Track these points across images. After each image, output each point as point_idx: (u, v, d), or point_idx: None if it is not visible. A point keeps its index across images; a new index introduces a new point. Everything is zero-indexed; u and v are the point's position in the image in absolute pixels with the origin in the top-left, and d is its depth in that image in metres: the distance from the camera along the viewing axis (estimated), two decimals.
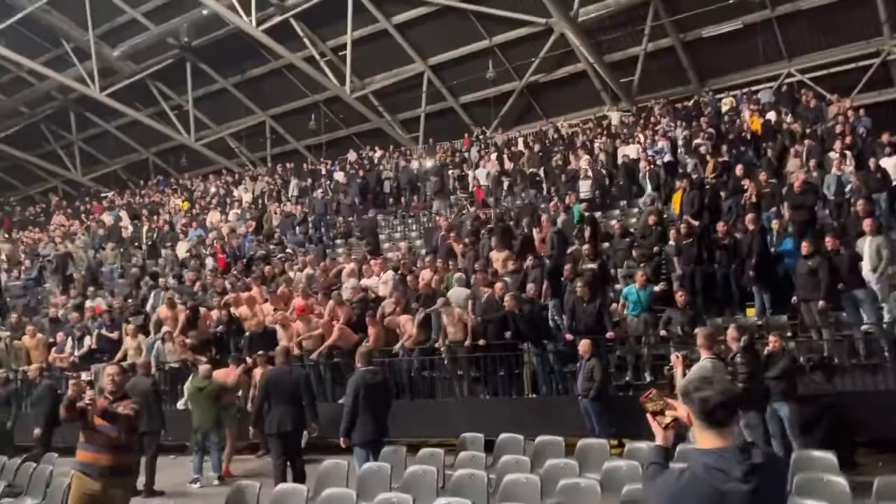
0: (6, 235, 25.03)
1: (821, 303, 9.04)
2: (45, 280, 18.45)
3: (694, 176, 13.69)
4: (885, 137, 13.34)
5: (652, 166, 14.82)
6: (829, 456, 5.53)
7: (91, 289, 16.19)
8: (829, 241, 9.39)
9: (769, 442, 6.97)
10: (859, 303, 8.97)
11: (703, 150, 14.80)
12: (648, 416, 2.64)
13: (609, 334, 9.67)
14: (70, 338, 13.35)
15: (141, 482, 8.62)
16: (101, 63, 25.28)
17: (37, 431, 9.53)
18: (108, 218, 23.12)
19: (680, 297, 9.56)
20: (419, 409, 10.26)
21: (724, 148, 14.87)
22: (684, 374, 6.44)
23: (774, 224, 10.72)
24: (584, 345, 8.94)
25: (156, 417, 8.96)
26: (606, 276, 11.52)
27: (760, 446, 2.44)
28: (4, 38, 24.02)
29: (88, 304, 14.94)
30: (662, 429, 2.63)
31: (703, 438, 2.40)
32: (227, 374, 9.93)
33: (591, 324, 9.78)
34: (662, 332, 9.42)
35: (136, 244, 19.93)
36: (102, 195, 29.61)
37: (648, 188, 14.59)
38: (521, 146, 20.58)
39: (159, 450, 9.06)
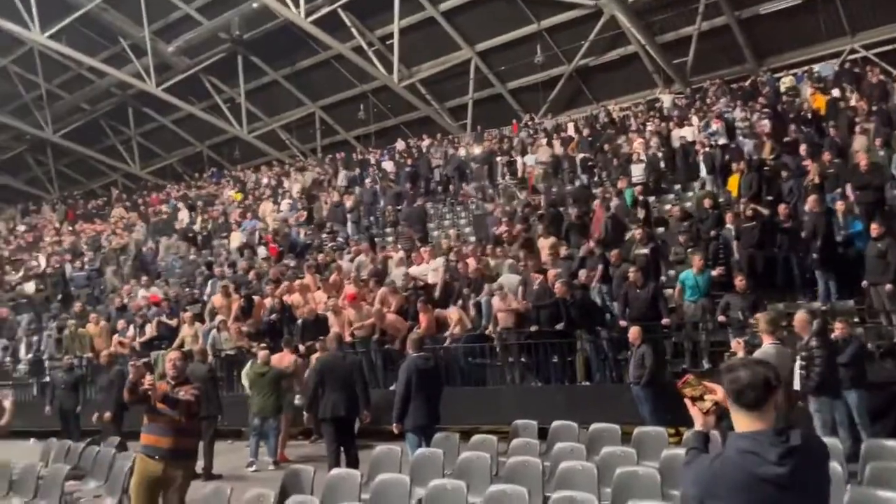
0: (70, 228, 25.95)
1: (888, 286, 8.65)
2: (105, 271, 19.05)
3: (753, 157, 13.23)
4: None
5: (707, 149, 14.39)
6: None
7: (145, 278, 16.66)
8: None
9: (835, 429, 6.68)
10: None
11: (760, 130, 14.28)
12: (687, 401, 2.60)
13: (665, 321, 9.45)
14: (132, 325, 13.75)
15: (199, 466, 8.85)
16: (157, 59, 25.89)
17: (107, 415, 9.82)
18: (165, 209, 23.75)
19: (740, 281, 9.26)
20: (470, 396, 10.22)
21: (788, 128, 14.30)
22: None
23: (839, 206, 10.24)
24: (634, 331, 8.77)
25: (213, 403, 9.15)
26: (659, 260, 11.29)
27: (800, 430, 2.37)
28: (65, 36, 24.77)
29: (143, 293, 15.36)
30: (703, 414, 2.58)
31: (738, 422, 2.36)
32: (281, 360, 10.06)
33: (645, 310, 9.56)
34: (721, 318, 9.14)
35: (192, 235, 20.38)
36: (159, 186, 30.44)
37: (703, 171, 14.19)
38: (570, 131, 20.27)
39: (217, 435, 9.24)
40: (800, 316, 7.04)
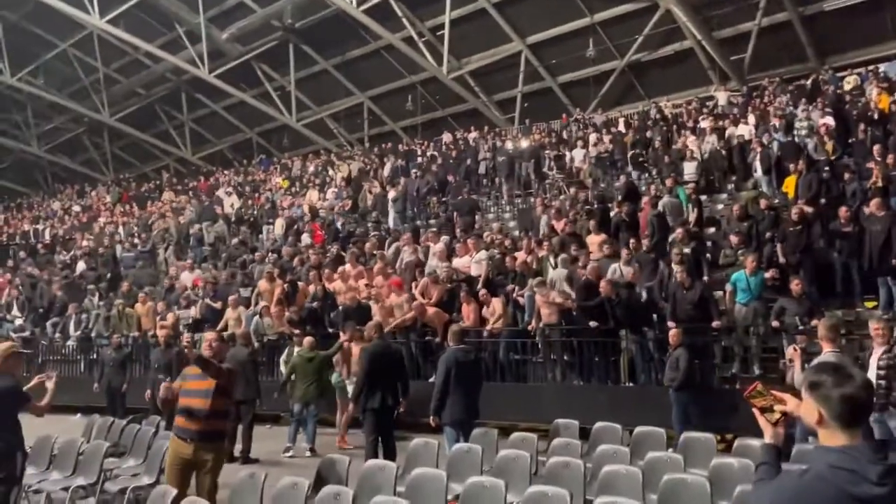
0: (122, 209, 26.55)
1: None
2: (157, 253, 19.42)
3: (819, 158, 12.70)
4: None
5: (763, 148, 13.89)
6: None
7: (189, 261, 16.90)
8: None
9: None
10: None
11: (823, 130, 13.70)
12: (756, 411, 2.40)
13: (716, 323, 9.11)
14: (175, 307, 13.93)
15: (238, 449, 8.91)
16: (211, 45, 26.26)
17: (148, 393, 9.94)
18: (221, 194, 24.10)
19: (796, 285, 8.86)
20: (510, 392, 10.06)
21: (851, 129, 13.69)
22: (803, 369, 5.96)
23: None
24: (674, 333, 8.50)
25: (252, 387, 9.20)
26: (701, 260, 10.92)
27: (892, 445, 2.11)
28: (123, 21, 25.32)
29: (187, 275, 15.57)
30: (772, 425, 2.38)
31: (830, 436, 2.12)
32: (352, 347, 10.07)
33: (691, 311, 9.24)
34: (775, 323, 8.77)
35: (239, 220, 20.63)
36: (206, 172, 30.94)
37: (759, 171, 13.69)
38: (621, 126, 19.85)
39: (255, 419, 9.27)
40: (873, 324, 6.66)
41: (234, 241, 18.42)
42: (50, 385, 5.41)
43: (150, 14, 26.20)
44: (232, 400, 5.84)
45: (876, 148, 12.06)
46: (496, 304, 10.67)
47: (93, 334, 14.77)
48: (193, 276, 15.39)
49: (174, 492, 4.74)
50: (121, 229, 22.63)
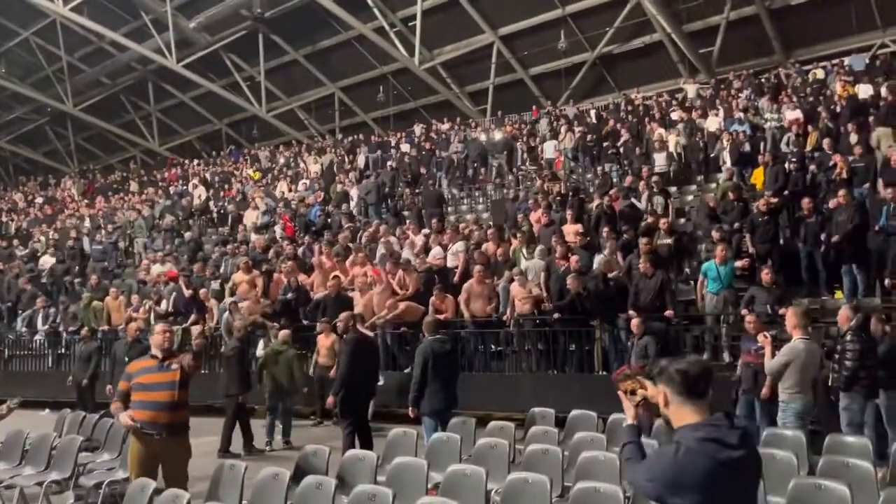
0: (87, 202, 26.04)
1: None
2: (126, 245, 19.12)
3: (790, 150, 12.97)
4: None
5: (733, 140, 14.14)
6: None
7: (160, 253, 16.68)
8: None
9: (861, 428, 6.50)
10: None
11: (794, 127, 13.94)
12: (620, 394, 2.63)
13: (668, 312, 9.24)
14: (146, 301, 13.72)
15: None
16: (178, 34, 25.83)
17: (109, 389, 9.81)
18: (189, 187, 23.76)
19: (766, 274, 9.05)
20: (486, 382, 10.14)
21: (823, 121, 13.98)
22: (773, 356, 6.11)
23: (889, 192, 9.89)
24: (635, 322, 8.65)
25: (238, 381, 9.13)
26: (683, 252, 11.11)
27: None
28: (87, 9, 24.77)
29: (158, 268, 15.36)
30: (634, 407, 2.64)
31: (683, 415, 2.39)
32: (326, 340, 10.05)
33: (652, 300, 9.41)
34: (744, 311, 8.94)
35: (209, 212, 20.38)
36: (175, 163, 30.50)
37: (728, 162, 13.92)
38: (593, 118, 20.01)
39: (239, 412, 9.17)
40: (843, 312, 6.86)
41: (189, 234, 18.14)
42: (3, 409, 5.39)
43: (114, 2, 25.69)
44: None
45: (826, 141, 12.37)
46: (449, 302, 10.72)
47: (59, 328, 14.51)
48: (165, 268, 15.16)
49: (153, 484, 4.70)
50: (87, 222, 22.19)
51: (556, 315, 9.84)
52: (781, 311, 8.14)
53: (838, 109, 14.49)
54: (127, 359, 9.85)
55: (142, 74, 30.31)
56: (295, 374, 9.63)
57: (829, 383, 6.74)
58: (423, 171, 18.97)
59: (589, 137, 17.34)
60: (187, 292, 13.22)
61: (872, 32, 19.91)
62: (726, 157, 13.96)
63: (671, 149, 14.98)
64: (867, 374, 6.53)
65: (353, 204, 17.77)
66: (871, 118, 12.91)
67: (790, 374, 6.04)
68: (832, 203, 10.16)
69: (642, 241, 10.35)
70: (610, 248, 10.82)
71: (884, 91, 14.37)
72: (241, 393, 9.16)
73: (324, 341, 10.08)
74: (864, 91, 14.93)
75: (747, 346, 7.82)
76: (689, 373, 2.38)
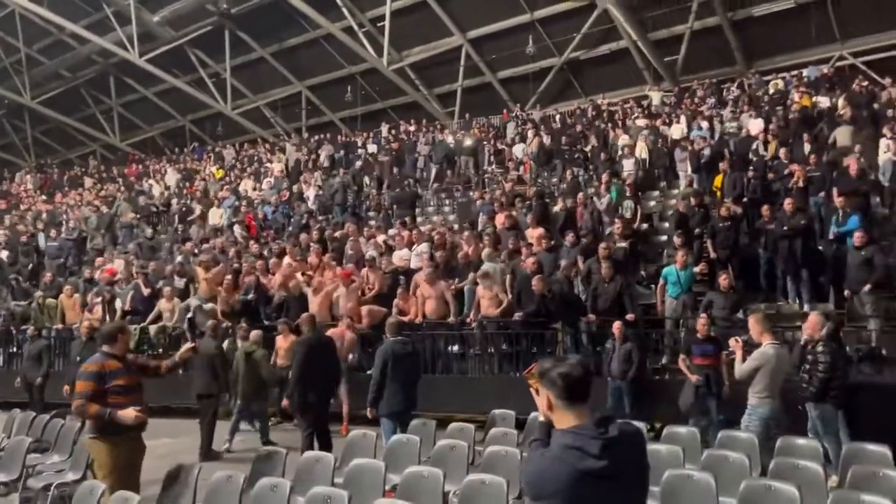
0: (44, 198, 25.39)
1: (867, 286, 8.72)
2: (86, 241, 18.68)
3: (756, 158, 13.22)
4: None
5: (692, 148, 14.40)
6: (884, 449, 5.24)
7: (114, 251, 16.35)
8: None
9: (837, 435, 6.58)
10: None
11: (760, 135, 14.23)
12: (532, 391, 2.55)
13: (629, 316, 9.33)
14: (100, 298, 13.38)
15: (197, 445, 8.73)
16: (141, 28, 25.36)
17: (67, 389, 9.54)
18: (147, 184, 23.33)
19: (723, 280, 9.21)
20: (448, 383, 10.12)
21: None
22: (744, 360, 6.15)
23: (839, 201, 10.15)
24: (616, 326, 8.71)
25: (217, 381, 8.97)
26: (638, 255, 11.24)
27: (617, 420, 2.40)
28: (47, 0, 24.15)
29: (114, 265, 15.04)
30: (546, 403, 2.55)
31: (563, 418, 2.37)
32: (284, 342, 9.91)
33: (611, 304, 9.51)
34: (702, 316, 9.07)
35: (169, 210, 20.03)
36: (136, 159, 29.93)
37: (689, 169, 14.15)
38: (558, 123, 20.18)
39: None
40: (813, 318, 6.91)
41: (147, 231, 17.83)
42: None
43: None
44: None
45: (783, 151, 12.66)
46: (413, 303, 10.69)
47: (10, 327, 14.10)
48: (119, 265, 14.85)
49: (102, 487, 4.58)
50: (43, 217, 21.61)
51: (516, 316, 9.83)
52: (740, 316, 8.32)
53: (790, 117, 14.89)
54: (79, 358, 9.63)
55: (103, 68, 29.67)
56: (264, 374, 9.51)
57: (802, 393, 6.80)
58: (394, 170, 18.90)
59: (553, 141, 17.48)
60: (146, 291, 12.97)
61: (831, 45, 20.44)
62: (687, 165, 14.20)
63: (637, 154, 15.16)
64: (838, 384, 6.53)
65: (310, 203, 17.62)
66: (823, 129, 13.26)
67: (760, 378, 6.06)
68: (787, 210, 10.39)
69: (601, 245, 10.43)
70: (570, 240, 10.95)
71: (841, 102, 14.83)
72: (220, 393, 9.01)
73: (282, 342, 9.99)
74: (822, 102, 15.33)
75: (699, 350, 7.99)
76: (571, 377, 2.35)
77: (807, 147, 12.37)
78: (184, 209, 19.68)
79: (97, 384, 5.01)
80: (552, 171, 16.85)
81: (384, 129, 24.31)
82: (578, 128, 18.38)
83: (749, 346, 6.36)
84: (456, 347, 10.60)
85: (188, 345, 6.24)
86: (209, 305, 11.63)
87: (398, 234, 13.20)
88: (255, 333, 9.85)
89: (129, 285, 13.62)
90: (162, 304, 12.42)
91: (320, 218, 16.48)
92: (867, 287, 8.71)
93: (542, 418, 2.54)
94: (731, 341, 6.39)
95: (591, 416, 2.35)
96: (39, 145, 35.37)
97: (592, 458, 2.25)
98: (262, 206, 17.98)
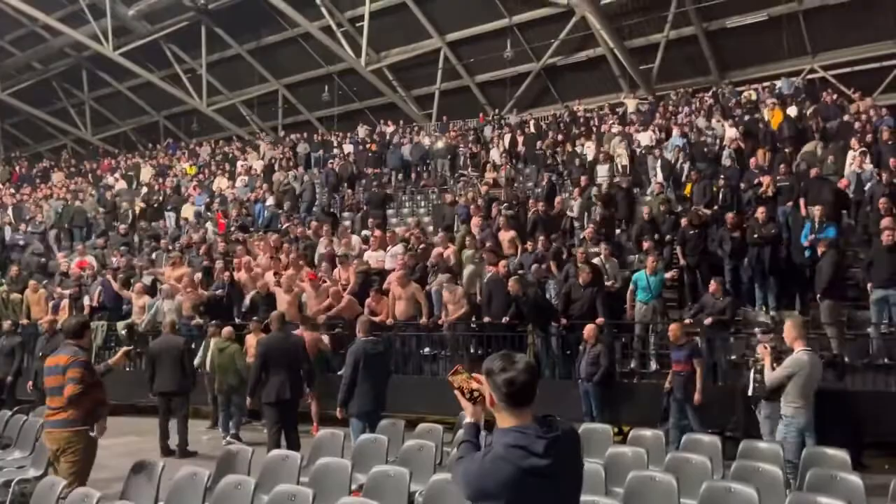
0: (12, 191, 24.91)
1: (818, 295, 8.93)
2: (48, 236, 18.35)
3: (727, 166, 13.43)
4: (884, 135, 13.06)
5: (662, 156, 14.61)
6: (842, 454, 5.36)
7: (81, 245, 16.12)
8: (887, 235, 9.00)
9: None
10: (889, 303, 8.76)
11: (733, 144, 14.46)
12: (456, 392, 2.56)
13: (599, 320, 9.34)
14: (68, 295, 13.16)
15: (174, 443, 8.65)
16: (116, 21, 25.00)
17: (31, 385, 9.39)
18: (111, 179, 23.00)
19: (714, 286, 9.33)
20: (419, 384, 10.12)
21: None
22: (773, 367, 6.05)
23: (817, 210, 10.34)
24: (588, 329, 8.77)
25: (188, 379, 8.88)
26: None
27: (558, 418, 2.44)
28: None
29: (78, 260, 14.84)
30: (472, 404, 2.54)
31: (504, 418, 2.38)
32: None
33: (587, 309, 9.57)
34: (707, 320, 9.15)
35: (142, 205, 19.78)
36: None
37: (660, 176, 14.32)
38: (532, 129, 20.33)
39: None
40: (788, 325, 7.01)
41: (122, 227, 17.60)
42: None
43: None
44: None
45: (753, 160, 12.90)
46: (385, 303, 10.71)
47: None
48: (86, 260, 14.62)
49: (63, 482, 4.52)
50: (10, 211, 21.22)
51: (505, 319, 9.84)
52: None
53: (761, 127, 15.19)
54: (41, 354, 9.49)
55: (76, 61, 29.21)
56: (239, 368, 9.45)
57: (749, 392, 6.94)
58: (367, 170, 18.89)
59: (528, 145, 17.61)
60: (116, 286, 12.80)
61: (803, 58, 20.86)
62: (658, 172, 14.38)
63: (617, 160, 15.28)
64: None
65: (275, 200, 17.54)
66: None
67: (794, 387, 5.83)
68: (758, 219, 10.56)
69: (578, 250, 10.51)
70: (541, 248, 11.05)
71: (810, 114, 15.15)
72: (189, 390, 8.94)
73: (251, 341, 9.92)
74: (792, 112, 15.62)
75: (675, 356, 8.09)
76: (515, 383, 2.33)
77: (753, 162, 12.69)
78: (155, 205, 19.45)
79: (89, 373, 5.11)
80: (527, 175, 16.96)
81: (361, 129, 24.27)
82: (552, 134, 18.52)
83: (780, 353, 6.31)
84: (427, 349, 10.59)
85: (123, 349, 6.18)
86: (174, 303, 11.50)
87: (371, 236, 13.17)
88: (226, 330, 9.84)
89: (97, 281, 13.44)
90: (134, 300, 12.25)
91: (294, 217, 16.38)
92: (818, 296, 8.89)
93: (469, 419, 2.54)
94: (759, 348, 6.28)
95: (533, 415, 2.36)
96: (8, 137, 34.72)
97: (536, 457, 2.27)
98: (235, 203, 17.81)
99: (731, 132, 15.17)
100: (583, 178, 14.28)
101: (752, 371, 6.90)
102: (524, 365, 2.38)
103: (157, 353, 9.02)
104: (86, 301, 12.85)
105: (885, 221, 9.48)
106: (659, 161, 14.44)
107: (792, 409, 5.86)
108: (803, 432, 5.86)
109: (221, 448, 8.48)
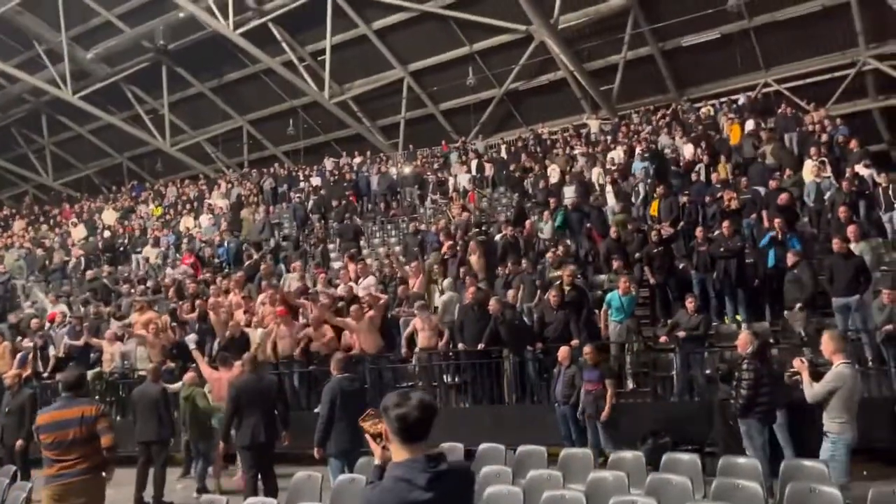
0: None
1: (798, 304, 9.03)
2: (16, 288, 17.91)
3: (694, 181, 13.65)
4: (852, 145, 13.44)
5: (624, 178, 14.82)
6: (820, 466, 5.37)
7: (51, 295, 15.76)
8: (836, 244, 9.20)
9: (763, 450, 6.68)
10: (851, 310, 8.90)
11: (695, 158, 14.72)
12: (367, 437, 2.67)
13: (574, 342, 9.33)
14: (34, 346, 12.80)
15: (149, 494, 8.38)
16: (74, 65, 24.81)
17: (19, 443, 9.04)
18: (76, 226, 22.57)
19: (689, 302, 9.41)
20: None
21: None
22: (811, 381, 5.81)
23: (777, 223, 10.50)
24: (562, 351, 8.75)
25: (166, 426, 8.64)
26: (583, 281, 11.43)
27: (446, 457, 2.51)
28: None
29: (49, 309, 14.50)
30: (381, 448, 2.64)
31: (398, 453, 2.47)
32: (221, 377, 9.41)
33: (561, 331, 9.60)
34: (680, 333, 9.21)
35: (107, 250, 19.45)
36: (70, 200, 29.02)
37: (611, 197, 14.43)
38: (503, 153, 20.50)
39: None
40: (742, 335, 7.05)
41: (90, 272, 17.24)
42: None
43: (5, 32, 24.37)
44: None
45: (714, 175, 13.21)
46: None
47: None
48: (55, 312, 14.29)
49: None
50: None
51: (480, 346, 9.79)
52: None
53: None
54: (7, 409, 9.19)
55: (35, 106, 28.84)
56: (201, 411, 9.19)
57: (730, 408, 6.94)
58: (335, 203, 18.83)
59: (496, 170, 17.75)
60: (85, 336, 12.49)
61: (756, 73, 21.41)
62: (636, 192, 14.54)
63: (594, 180, 15.39)
64: (764, 401, 6.65)
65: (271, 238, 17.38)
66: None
67: (837, 401, 5.59)
68: (723, 232, 10.73)
69: (565, 272, 10.45)
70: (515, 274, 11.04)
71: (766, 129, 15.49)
72: (170, 438, 8.71)
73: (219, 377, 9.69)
74: (749, 126, 15.97)
75: (588, 376, 8.15)
76: (408, 419, 2.42)
77: (715, 177, 13.00)
78: (121, 249, 19.15)
79: None
80: (495, 199, 17.05)
81: (328, 162, 24.25)
82: (524, 157, 18.67)
83: (816, 367, 6.18)
84: (406, 383, 10.48)
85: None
86: (141, 351, 11.28)
87: (343, 269, 13.07)
88: (187, 376, 9.53)
89: (63, 329, 13.13)
90: (105, 348, 11.97)
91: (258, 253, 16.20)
92: (798, 306, 9.02)
93: (377, 461, 2.62)
94: (796, 362, 6.09)
95: (425, 451, 2.44)
96: None
97: (419, 490, 2.36)
98: (203, 244, 17.59)
99: (689, 148, 15.44)
100: (551, 200, 14.37)
101: (728, 385, 6.93)
102: (417, 402, 2.46)
103: (135, 402, 8.87)
104: (51, 352, 12.52)
105: (851, 230, 9.70)
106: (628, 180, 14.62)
107: (837, 424, 5.60)
108: (850, 447, 5.59)
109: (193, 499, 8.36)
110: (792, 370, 6.76)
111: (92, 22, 24.20)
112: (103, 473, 5.38)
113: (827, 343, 5.88)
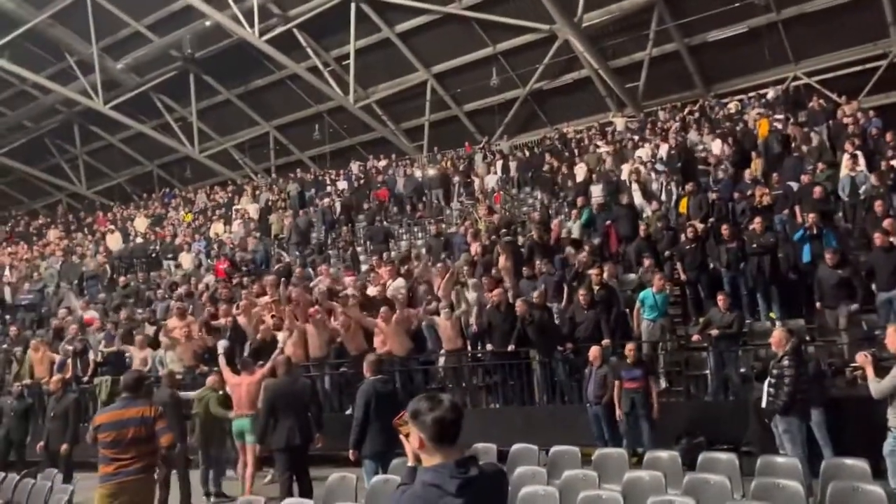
0: (7, 249, 24.89)
1: (853, 306, 8.88)
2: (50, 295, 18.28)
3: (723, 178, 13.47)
4: (888, 137, 13.16)
5: (655, 171, 14.68)
6: (862, 464, 5.28)
7: (82, 302, 16.05)
8: (879, 238, 9.03)
9: (804, 448, 6.58)
10: (894, 304, 8.73)
11: (714, 157, 14.54)
12: (402, 437, 2.60)
13: (605, 342, 9.28)
14: (73, 351, 13.04)
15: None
16: (105, 76, 25.26)
17: (64, 447, 9.22)
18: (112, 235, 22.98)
19: (721, 300, 9.25)
20: None
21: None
22: (876, 376, 5.68)
23: (810, 218, 10.33)
24: (594, 351, 8.71)
25: (176, 431, 8.70)
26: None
27: (477, 461, 2.46)
28: (8, 51, 24.01)
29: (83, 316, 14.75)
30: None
31: (430, 458, 2.44)
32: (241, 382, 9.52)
33: (592, 330, 9.55)
34: (714, 331, 9.10)
35: (142, 256, 19.77)
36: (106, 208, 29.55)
37: (637, 194, 14.28)
38: (525, 153, 20.43)
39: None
40: (777, 334, 6.95)
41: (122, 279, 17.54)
42: None
43: (37, 44, 24.91)
44: None
45: (747, 171, 13.00)
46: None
47: None
48: (91, 317, 14.56)
49: None
50: (7, 271, 21.15)
51: (510, 347, 9.76)
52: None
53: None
54: (53, 414, 9.38)
55: (67, 117, 29.42)
56: (215, 415, 9.06)
57: (763, 405, 6.84)
58: (366, 206, 18.95)
59: (521, 170, 17.70)
60: (117, 341, 12.71)
61: (785, 66, 21.08)
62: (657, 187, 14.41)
63: (624, 177, 15.25)
64: (803, 397, 6.56)
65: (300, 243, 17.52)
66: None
67: None
68: (754, 229, 10.58)
69: (592, 271, 10.40)
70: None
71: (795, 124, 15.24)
72: (183, 442, 8.79)
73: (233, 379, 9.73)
74: (778, 123, 15.71)
75: (627, 375, 8.08)
76: (444, 422, 2.40)
77: (748, 174, 12.78)
78: (153, 255, 19.45)
79: None
80: (523, 199, 17.01)
81: (354, 165, 24.41)
82: (548, 157, 18.60)
83: (881, 361, 6.04)
84: (433, 385, 10.50)
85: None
86: (171, 355, 11.42)
87: (374, 271, 13.12)
88: (210, 378, 9.47)
89: (101, 335, 13.37)
90: (136, 354, 12.16)
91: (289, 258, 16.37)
92: (854, 306, 8.85)
93: (410, 463, 2.59)
94: (860, 356, 5.96)
95: (457, 455, 2.41)
96: (3, 196, 34.84)
97: (450, 496, 2.32)
98: (234, 249, 17.80)
99: (717, 144, 15.25)
100: (579, 199, 14.27)
101: (766, 384, 6.83)
102: (449, 404, 2.45)
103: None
104: (90, 356, 12.75)
105: (887, 223, 9.50)
106: (656, 177, 14.49)
107: None
108: None
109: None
110: (854, 365, 6.61)
111: (121, 33, 24.63)
112: (155, 475, 5.62)
113: (892, 337, 5.74)
